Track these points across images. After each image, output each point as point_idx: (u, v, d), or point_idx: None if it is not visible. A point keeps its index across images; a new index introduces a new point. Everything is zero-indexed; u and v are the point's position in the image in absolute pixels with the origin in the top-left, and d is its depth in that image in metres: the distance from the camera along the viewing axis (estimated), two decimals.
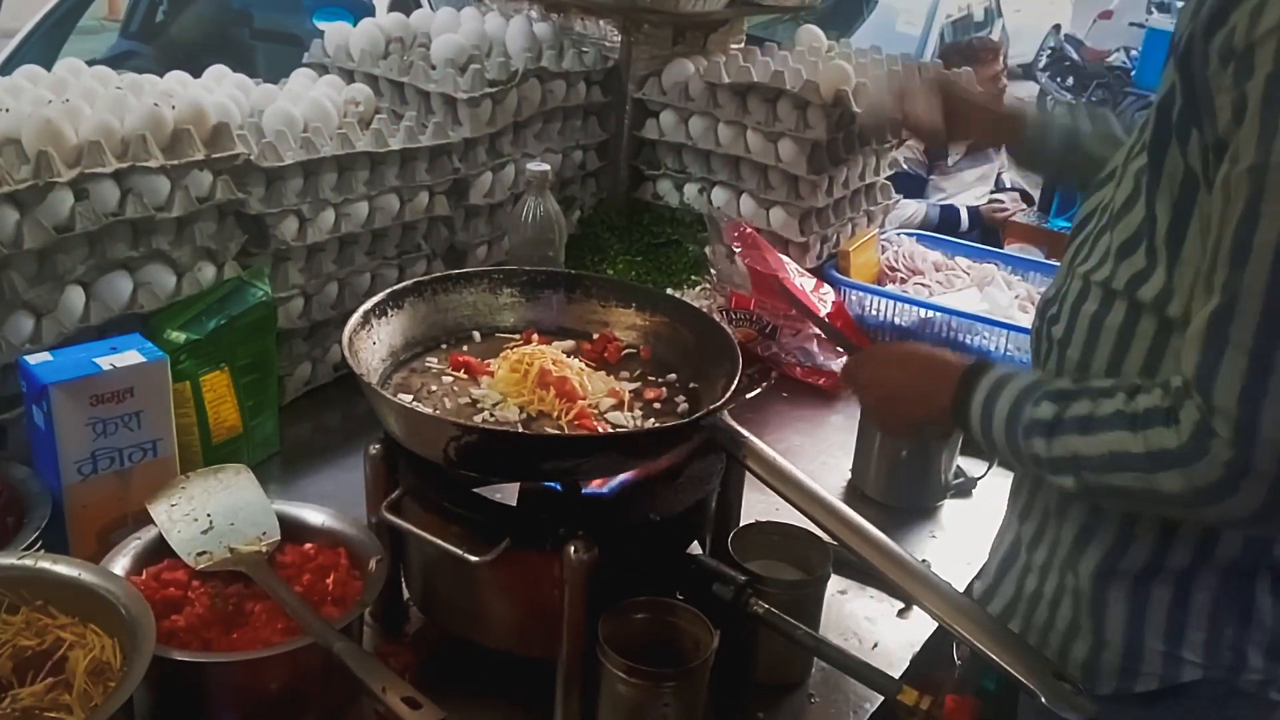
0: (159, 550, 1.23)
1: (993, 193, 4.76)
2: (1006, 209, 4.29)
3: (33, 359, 1.25)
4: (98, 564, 1.15)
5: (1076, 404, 1.00)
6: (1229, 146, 0.89)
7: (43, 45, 4.76)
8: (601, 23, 2.25)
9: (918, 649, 1.38)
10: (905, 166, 2.69)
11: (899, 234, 2.44)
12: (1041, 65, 11.03)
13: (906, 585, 1.09)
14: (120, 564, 1.19)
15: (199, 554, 1.22)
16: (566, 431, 1.22)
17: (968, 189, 4.60)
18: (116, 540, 1.25)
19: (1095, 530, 1.09)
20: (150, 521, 1.26)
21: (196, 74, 1.78)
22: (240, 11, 5.22)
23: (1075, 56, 10.73)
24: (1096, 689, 1.11)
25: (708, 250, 2.12)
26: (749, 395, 1.48)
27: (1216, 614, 1.05)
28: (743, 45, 2.42)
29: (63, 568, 1.09)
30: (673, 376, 1.37)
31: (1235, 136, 0.88)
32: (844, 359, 1.97)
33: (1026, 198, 5.00)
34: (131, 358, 1.28)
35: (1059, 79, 10.80)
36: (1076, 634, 1.10)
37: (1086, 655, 1.13)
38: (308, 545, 1.26)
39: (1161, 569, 1.05)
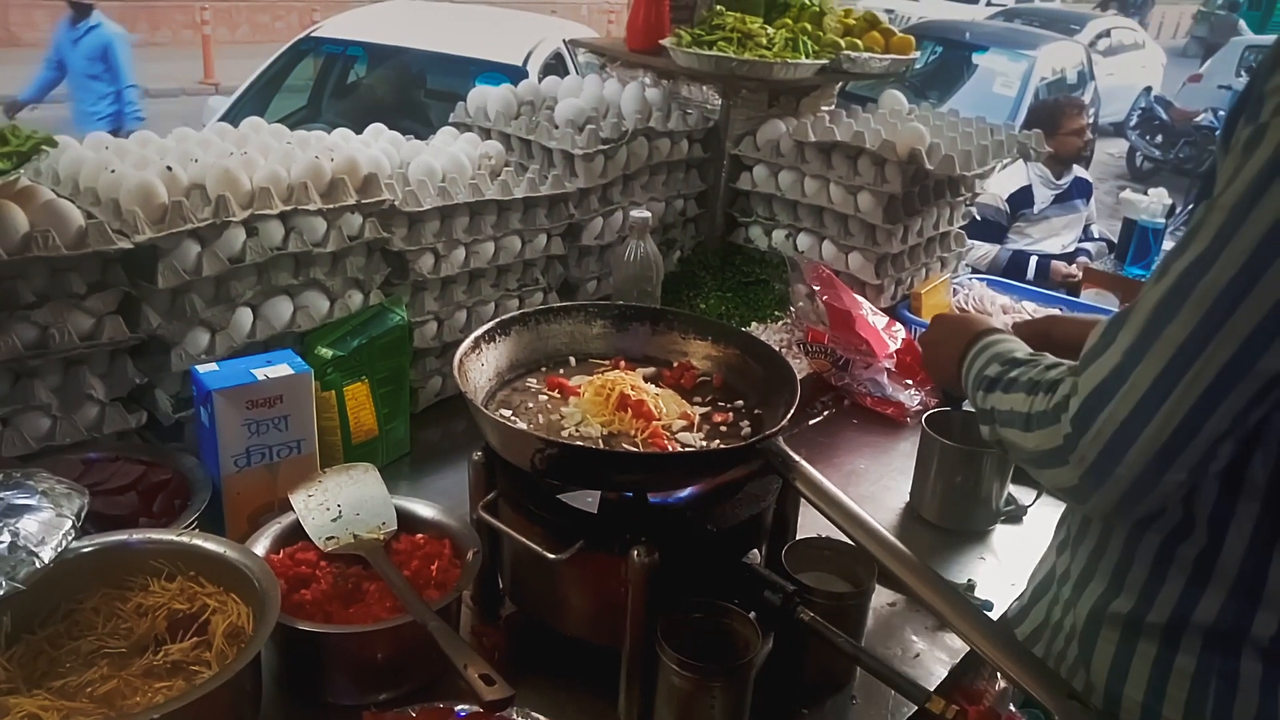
0: (295, 533, 1.28)
1: (1080, 241, 4.50)
2: (1075, 273, 3.96)
3: (202, 369, 1.33)
4: (245, 543, 1.21)
5: (1016, 370, 1.00)
6: None
7: (256, 101, 5.04)
8: (705, 88, 2.25)
9: (956, 661, 1.32)
10: (978, 217, 2.60)
11: (971, 278, 2.37)
12: (1132, 124, 10.56)
13: (937, 604, 1.05)
14: (262, 544, 1.25)
15: (328, 538, 1.27)
16: (641, 448, 1.22)
17: (1055, 235, 4.36)
18: (263, 522, 1.30)
19: (1094, 570, 1.02)
20: (291, 508, 1.31)
21: (389, 124, 1.90)
22: (417, 75, 5.44)
23: (1164, 116, 10.24)
24: None
25: (790, 289, 2.09)
26: (811, 421, 1.45)
27: (1199, 677, 0.95)
28: (832, 108, 2.39)
29: (211, 544, 1.14)
30: (740, 403, 1.36)
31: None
32: (910, 389, 1.94)
33: (1113, 248, 4.71)
34: (282, 370, 1.35)
35: (1148, 137, 10.33)
36: (1076, 671, 1.03)
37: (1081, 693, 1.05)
38: (419, 535, 1.29)
39: (1144, 621, 0.96)
